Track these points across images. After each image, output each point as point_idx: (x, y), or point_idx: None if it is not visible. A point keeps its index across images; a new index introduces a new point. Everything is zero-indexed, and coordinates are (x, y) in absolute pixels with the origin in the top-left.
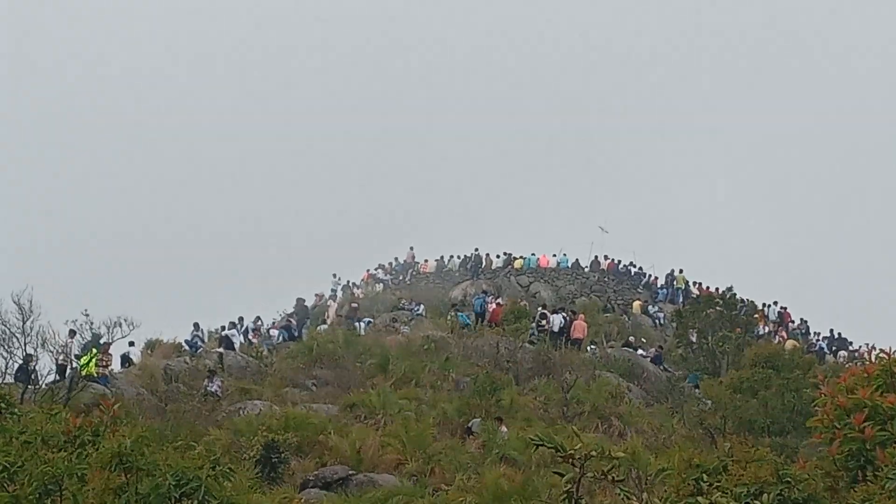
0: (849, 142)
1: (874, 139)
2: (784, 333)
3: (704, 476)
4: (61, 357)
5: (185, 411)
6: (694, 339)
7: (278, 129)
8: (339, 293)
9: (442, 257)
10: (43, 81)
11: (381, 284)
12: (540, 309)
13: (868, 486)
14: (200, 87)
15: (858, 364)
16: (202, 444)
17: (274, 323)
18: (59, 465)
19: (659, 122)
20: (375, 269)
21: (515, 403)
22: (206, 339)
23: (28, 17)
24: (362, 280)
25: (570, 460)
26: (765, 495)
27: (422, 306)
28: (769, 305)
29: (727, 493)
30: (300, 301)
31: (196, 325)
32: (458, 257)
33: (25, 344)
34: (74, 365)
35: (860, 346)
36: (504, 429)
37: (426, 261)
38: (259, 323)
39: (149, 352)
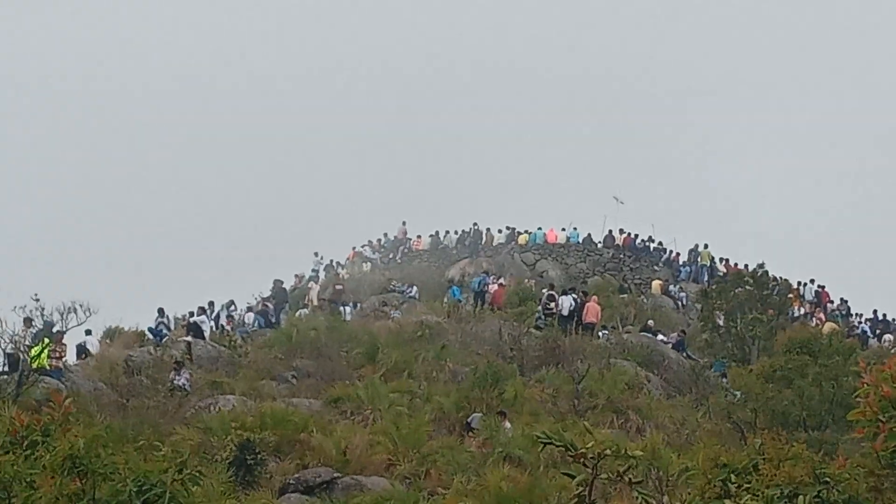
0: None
1: None
2: (822, 315)
3: (732, 476)
4: (9, 347)
5: (149, 408)
6: (721, 323)
7: (252, 100)
8: (322, 274)
9: (437, 233)
10: None
11: (369, 264)
12: (547, 290)
13: None
14: (173, 55)
15: None
16: (168, 444)
17: (249, 308)
18: (6, 470)
19: (680, 84)
20: (362, 247)
21: (520, 396)
22: (172, 327)
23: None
24: (348, 259)
25: (582, 460)
26: (800, 497)
27: (415, 288)
28: (805, 284)
29: (758, 496)
30: (278, 283)
31: (161, 311)
32: (456, 232)
33: None
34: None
35: None
36: (508, 425)
37: (419, 237)
38: (232, 308)
39: (108, 341)
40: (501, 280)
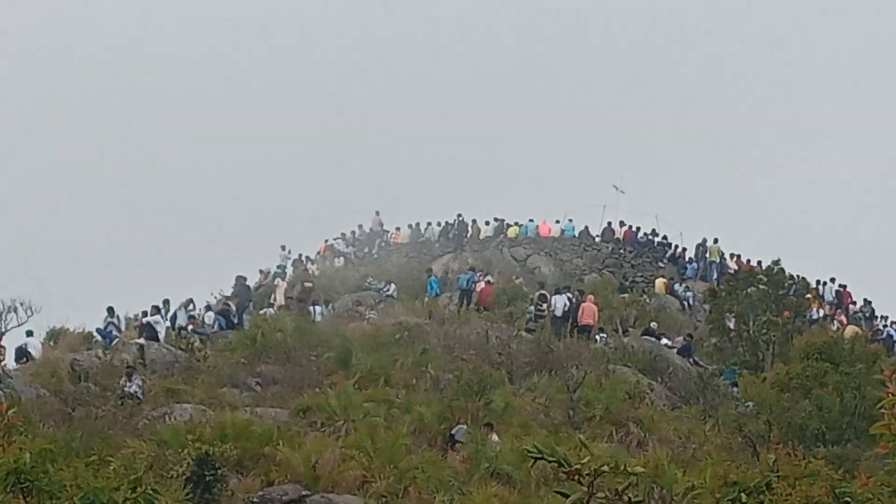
0: None
1: None
2: (843, 318)
3: (743, 496)
4: None
5: (98, 417)
6: (731, 326)
7: (215, 90)
8: (290, 270)
9: (417, 224)
10: None
11: (342, 259)
12: (539, 289)
13: None
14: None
15: None
16: (119, 458)
17: (208, 307)
18: None
19: (691, 69)
20: (335, 240)
21: (509, 406)
22: (123, 328)
23: None
24: (318, 253)
25: (577, 477)
26: None
27: (392, 286)
28: (825, 283)
29: None
30: (240, 280)
31: (110, 311)
32: (438, 224)
33: None
34: None
35: None
36: (495, 437)
37: (398, 229)
38: (190, 308)
39: (51, 343)
40: (489, 277)
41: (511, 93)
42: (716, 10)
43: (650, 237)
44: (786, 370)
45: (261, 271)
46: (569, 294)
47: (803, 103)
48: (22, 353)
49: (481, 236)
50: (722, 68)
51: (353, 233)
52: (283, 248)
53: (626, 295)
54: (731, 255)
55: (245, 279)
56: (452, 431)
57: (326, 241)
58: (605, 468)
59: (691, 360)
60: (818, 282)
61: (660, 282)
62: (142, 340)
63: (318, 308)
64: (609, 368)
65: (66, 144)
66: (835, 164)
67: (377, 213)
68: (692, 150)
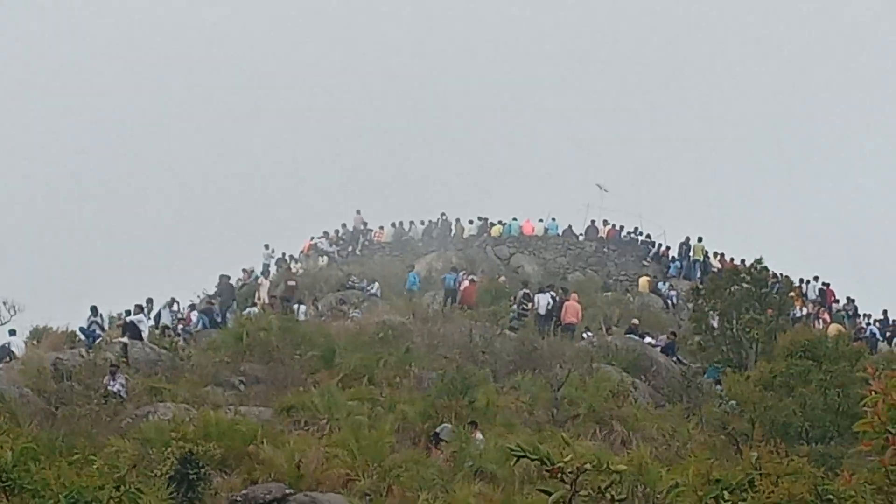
0: None
1: None
2: (826, 316)
3: (726, 493)
4: None
5: (81, 416)
6: (715, 324)
7: (195, 87)
8: (273, 268)
9: (401, 223)
10: None
11: (326, 257)
12: (522, 288)
13: None
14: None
15: None
16: (103, 457)
17: (192, 306)
18: None
19: (671, 66)
20: (318, 239)
21: (493, 404)
22: (106, 327)
23: None
24: (302, 252)
25: (560, 475)
26: None
27: (376, 284)
28: (808, 282)
29: None
30: (224, 278)
31: (94, 310)
32: (422, 223)
33: None
34: None
35: None
36: (479, 436)
37: (381, 228)
38: (174, 307)
39: (35, 342)
40: (472, 276)
41: (495, 92)
42: (686, 10)
43: (633, 236)
44: (769, 368)
45: (244, 270)
46: (552, 293)
47: (786, 101)
48: (4, 352)
49: (465, 235)
50: (702, 68)
51: (337, 232)
52: (267, 246)
53: (609, 293)
54: (715, 254)
55: (229, 278)
56: (437, 430)
57: (311, 239)
58: (588, 466)
59: (675, 358)
60: (801, 280)
61: (643, 280)
62: (125, 339)
63: (301, 307)
64: (593, 367)
65: (49, 141)
66: (819, 163)
67: (358, 211)
68: (675, 148)
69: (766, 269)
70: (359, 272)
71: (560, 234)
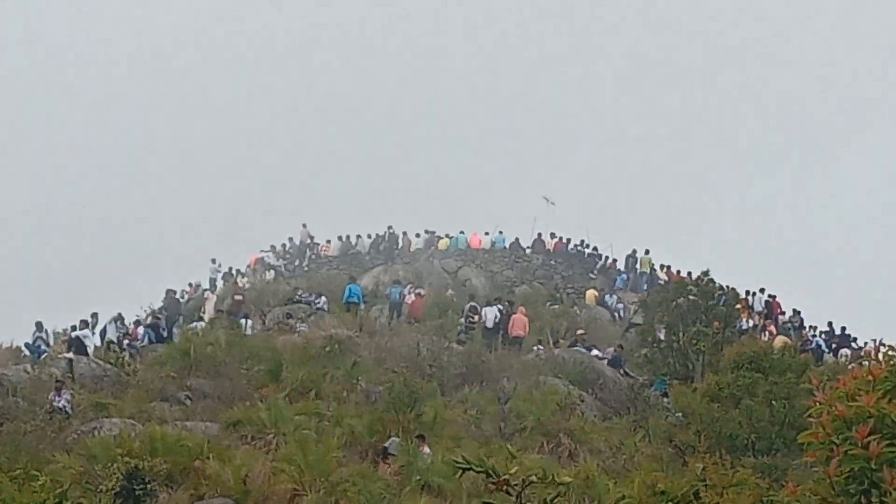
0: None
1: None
2: (773, 328)
3: None
4: None
5: (26, 432)
6: (662, 336)
7: (135, 96)
8: (220, 283)
9: (347, 237)
10: None
11: (273, 271)
12: (469, 301)
13: None
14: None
15: (862, 365)
16: (47, 473)
17: (138, 321)
18: None
19: (616, 77)
20: (265, 253)
21: (440, 418)
22: (51, 342)
23: None
24: (248, 266)
25: (505, 487)
26: None
27: (323, 298)
28: (754, 294)
29: None
30: (170, 293)
31: (39, 325)
32: (369, 237)
33: None
34: None
35: (867, 344)
36: (426, 450)
37: (328, 241)
38: (119, 322)
39: None
40: (419, 290)
41: (440, 105)
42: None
43: (580, 248)
44: (716, 380)
45: (190, 284)
46: (500, 305)
47: (734, 111)
48: None
49: (412, 248)
50: (649, 79)
51: (284, 245)
52: (214, 261)
53: (556, 306)
54: (662, 266)
55: (175, 292)
56: (386, 444)
57: (258, 253)
58: (534, 478)
59: (622, 371)
60: (748, 292)
61: (590, 293)
62: (70, 355)
63: (248, 321)
64: (540, 380)
65: None
66: (770, 173)
67: (304, 225)
68: (622, 160)
69: (712, 281)
70: (306, 286)
71: (507, 247)
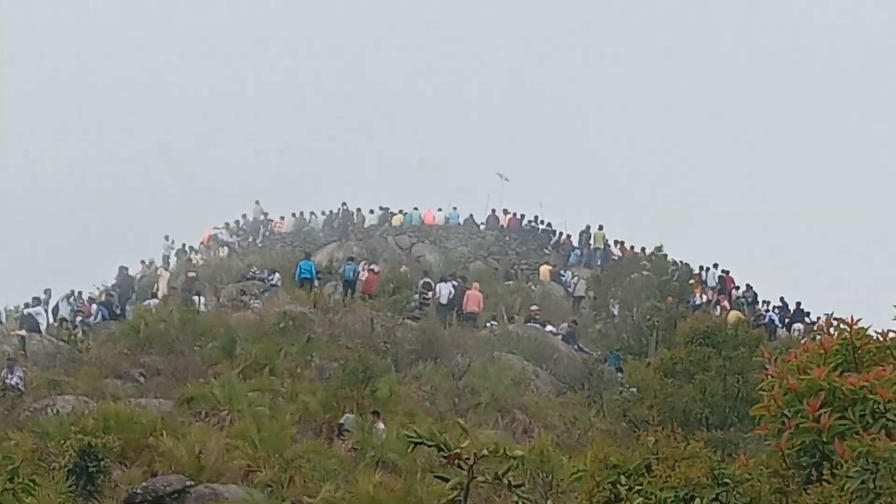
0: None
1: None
2: (726, 303)
3: (623, 478)
4: None
5: None
6: (615, 312)
7: (90, 73)
8: (173, 260)
9: (301, 213)
10: None
11: (226, 248)
12: (423, 277)
13: (824, 486)
14: None
15: (815, 339)
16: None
17: (91, 298)
18: None
19: (573, 58)
20: (218, 230)
21: (395, 394)
22: (3, 320)
23: None
24: (202, 243)
25: (457, 461)
26: (697, 501)
27: (277, 275)
28: (708, 269)
29: (651, 499)
30: (123, 270)
31: None
32: (322, 213)
33: None
34: None
35: (819, 318)
36: (381, 426)
37: (282, 218)
38: (72, 299)
39: None
40: (373, 266)
41: (394, 80)
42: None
43: (534, 224)
44: (669, 355)
45: (143, 262)
46: (454, 282)
47: (685, 85)
48: None
49: (366, 225)
50: (605, 54)
51: (237, 222)
52: (167, 238)
53: (510, 282)
54: (615, 242)
55: (127, 269)
56: (340, 421)
57: (211, 229)
58: (485, 452)
59: (576, 346)
60: (701, 267)
61: (544, 269)
62: (23, 332)
63: (201, 298)
64: (494, 355)
65: None
66: (719, 146)
67: (257, 202)
68: (576, 135)
69: (665, 256)
70: (259, 263)
71: (461, 223)
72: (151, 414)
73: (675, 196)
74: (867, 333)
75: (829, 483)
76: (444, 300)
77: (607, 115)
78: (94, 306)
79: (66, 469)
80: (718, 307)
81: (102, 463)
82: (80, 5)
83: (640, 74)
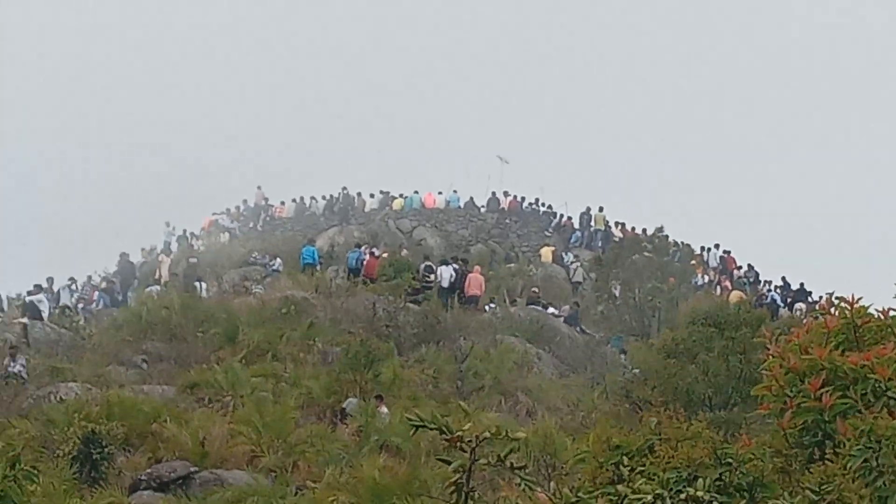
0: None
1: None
2: (728, 283)
3: (626, 459)
4: None
5: None
6: (618, 293)
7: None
8: (174, 246)
9: (302, 198)
10: None
11: (227, 234)
12: (424, 261)
13: (827, 465)
14: None
15: (817, 318)
16: (2, 438)
17: (93, 285)
18: None
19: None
20: (219, 215)
21: (398, 378)
22: (5, 307)
23: None
24: (203, 229)
25: (459, 444)
26: (700, 481)
27: (278, 260)
28: (709, 249)
29: (654, 479)
30: (124, 257)
31: None
32: (323, 198)
33: None
34: None
35: (821, 298)
36: (384, 409)
37: (283, 203)
38: (73, 286)
39: None
40: (374, 250)
41: (394, 64)
42: None
43: (535, 206)
44: (672, 336)
45: (144, 249)
46: (455, 265)
47: (684, 68)
48: None
49: (367, 209)
50: (603, 37)
51: (238, 208)
52: (168, 224)
53: (512, 265)
54: (616, 223)
55: (129, 256)
56: (343, 405)
57: (212, 215)
58: (487, 434)
59: (578, 328)
60: (702, 248)
61: (546, 251)
62: (25, 320)
63: (203, 284)
64: (497, 338)
65: None
66: (719, 128)
67: (259, 187)
68: (576, 117)
69: (667, 237)
70: (261, 248)
71: (462, 206)
72: (155, 400)
73: (676, 181)
74: (868, 312)
75: (831, 462)
76: (445, 284)
77: (607, 98)
78: (96, 293)
79: (71, 456)
80: (720, 287)
81: (106, 450)
82: (80, 5)
83: (641, 58)
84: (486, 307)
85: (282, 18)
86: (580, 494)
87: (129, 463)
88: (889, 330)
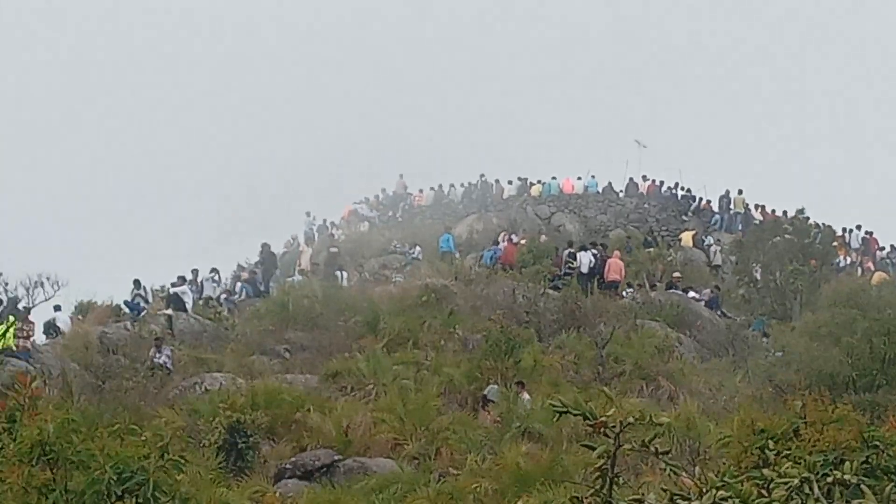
0: None
1: None
2: (870, 264)
3: (771, 443)
4: None
5: (128, 389)
6: (758, 276)
7: (234, 51)
8: (315, 236)
9: (440, 186)
10: None
11: (367, 223)
12: (567, 248)
13: None
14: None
15: None
16: (149, 428)
17: (236, 276)
18: None
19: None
20: (359, 204)
21: (538, 364)
22: (150, 300)
23: None
24: (343, 218)
25: (603, 430)
26: (847, 464)
27: (418, 248)
28: (851, 230)
29: (800, 463)
30: (266, 247)
31: (137, 283)
32: (462, 185)
33: None
34: None
35: None
36: (526, 396)
37: (421, 191)
38: (216, 277)
39: (80, 317)
40: (512, 236)
41: (530, 50)
42: None
43: (674, 190)
44: (814, 319)
45: (286, 239)
46: (594, 250)
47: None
48: (51, 328)
49: (505, 196)
50: (741, 19)
51: (377, 197)
52: (308, 214)
53: (651, 249)
54: (756, 206)
55: (270, 246)
56: (485, 392)
57: (351, 204)
58: (631, 420)
59: (719, 312)
60: (844, 229)
61: (687, 235)
62: (169, 311)
63: (344, 273)
64: (637, 323)
65: (84, 126)
66: (859, 112)
67: (401, 176)
68: (713, 101)
69: (808, 219)
70: (400, 236)
71: (600, 191)
72: (298, 390)
73: (817, 163)
74: None
75: None
76: (584, 269)
77: (746, 80)
78: (239, 284)
79: (216, 446)
80: (862, 269)
81: (251, 439)
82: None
83: (785, 40)
84: (624, 292)
85: (424, 10)
86: (725, 479)
87: (274, 452)
88: None
